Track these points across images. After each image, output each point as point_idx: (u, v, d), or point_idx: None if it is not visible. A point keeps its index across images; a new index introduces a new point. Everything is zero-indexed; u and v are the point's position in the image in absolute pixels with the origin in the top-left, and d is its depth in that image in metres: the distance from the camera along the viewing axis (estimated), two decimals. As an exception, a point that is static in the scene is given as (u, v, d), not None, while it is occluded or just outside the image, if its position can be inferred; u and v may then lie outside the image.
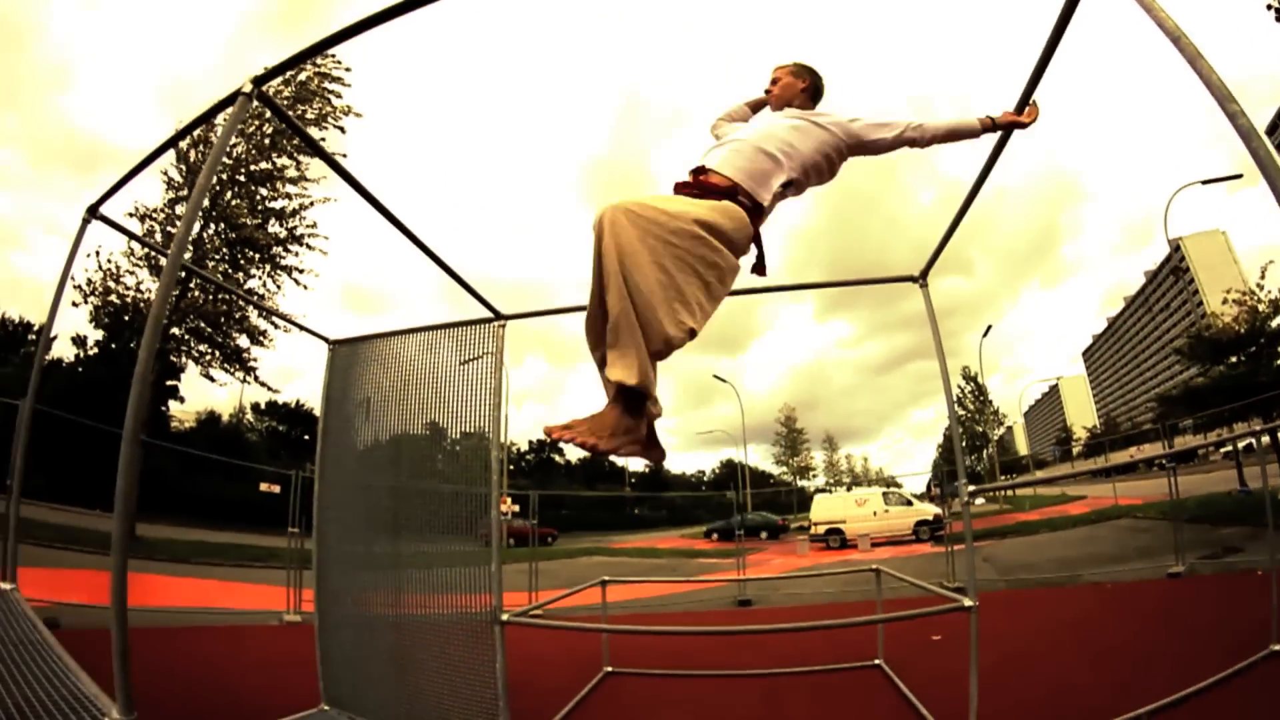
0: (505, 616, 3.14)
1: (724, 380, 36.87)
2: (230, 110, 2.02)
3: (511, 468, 46.58)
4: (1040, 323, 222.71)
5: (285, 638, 6.23)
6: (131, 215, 15.55)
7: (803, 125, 2.10)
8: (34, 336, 29.26)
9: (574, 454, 50.36)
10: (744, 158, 1.97)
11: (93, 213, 2.88)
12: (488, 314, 3.54)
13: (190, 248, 15.70)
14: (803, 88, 2.34)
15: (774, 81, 2.39)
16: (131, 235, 3.96)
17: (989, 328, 34.91)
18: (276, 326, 16.93)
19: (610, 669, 4.65)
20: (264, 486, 10.93)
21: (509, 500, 12.43)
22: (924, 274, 3.44)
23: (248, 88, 1.98)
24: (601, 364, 1.69)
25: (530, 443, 51.41)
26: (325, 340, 3.96)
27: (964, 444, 15.32)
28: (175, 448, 21.47)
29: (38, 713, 1.44)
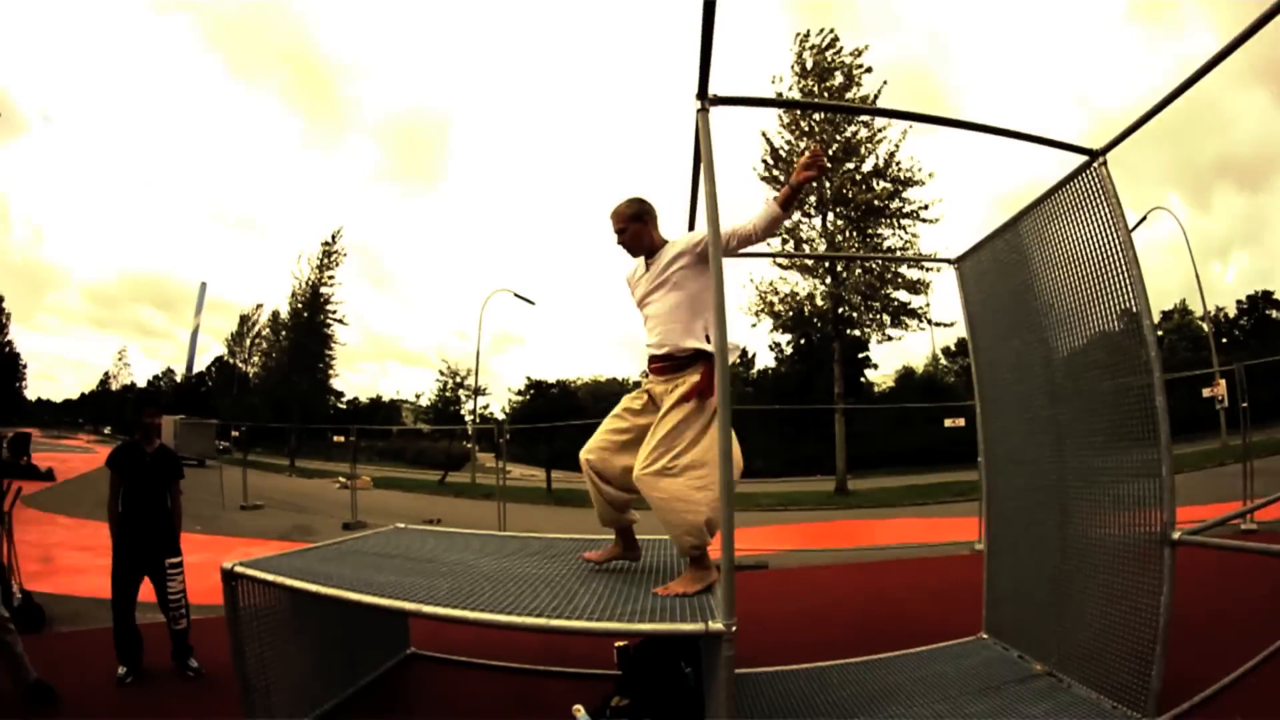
0: (1177, 535, 2.47)
1: None
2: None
3: (1224, 339, 36.52)
4: None
5: (971, 567, 6.54)
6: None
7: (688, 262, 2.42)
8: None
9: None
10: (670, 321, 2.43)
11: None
12: (1080, 158, 2.82)
13: (823, 239, 18.98)
14: (644, 226, 2.54)
15: (620, 233, 2.54)
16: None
17: None
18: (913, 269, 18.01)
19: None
20: (948, 422, 10.58)
21: (1221, 383, 9.03)
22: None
23: (697, 105, 2.04)
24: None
25: (1239, 301, 39.26)
26: (948, 262, 3.90)
27: None
28: (864, 407, 24.66)
29: (655, 613, 2.05)
